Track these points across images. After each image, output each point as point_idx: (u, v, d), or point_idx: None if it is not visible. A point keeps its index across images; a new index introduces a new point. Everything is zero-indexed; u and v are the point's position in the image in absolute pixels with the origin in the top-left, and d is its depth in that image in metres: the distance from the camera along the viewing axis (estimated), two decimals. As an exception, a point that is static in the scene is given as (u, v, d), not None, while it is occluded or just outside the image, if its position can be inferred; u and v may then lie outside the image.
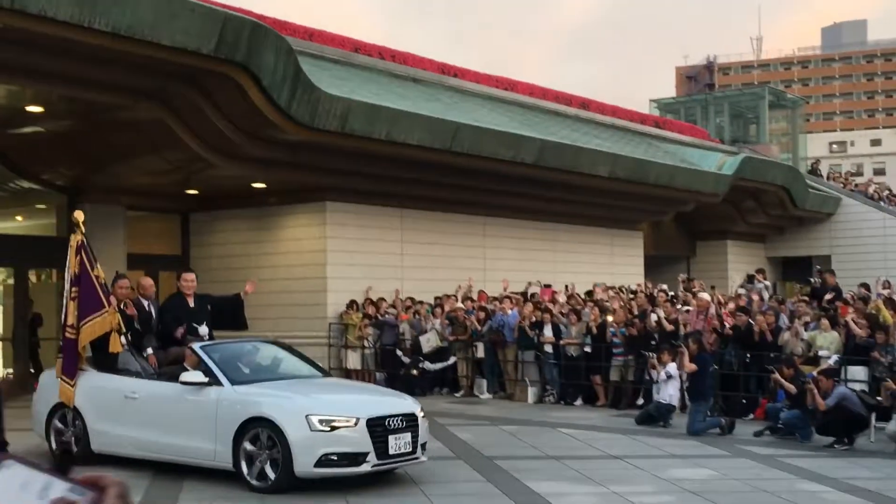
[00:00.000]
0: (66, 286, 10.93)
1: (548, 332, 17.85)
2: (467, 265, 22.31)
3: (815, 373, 13.71)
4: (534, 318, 17.99)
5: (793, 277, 31.63)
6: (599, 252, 26.39)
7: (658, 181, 24.82)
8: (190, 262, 20.77)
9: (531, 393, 17.91)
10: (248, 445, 9.41)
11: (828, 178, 36.09)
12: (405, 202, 21.17)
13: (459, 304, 19.63)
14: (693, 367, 14.10)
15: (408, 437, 9.62)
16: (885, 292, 19.17)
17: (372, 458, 9.29)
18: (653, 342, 16.39)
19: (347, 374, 19.14)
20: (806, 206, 31.00)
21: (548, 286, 21.57)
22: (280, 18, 21.43)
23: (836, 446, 12.71)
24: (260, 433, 9.35)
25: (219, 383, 9.85)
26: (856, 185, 36.03)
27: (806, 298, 19.09)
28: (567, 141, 22.91)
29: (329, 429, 9.22)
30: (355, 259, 20.20)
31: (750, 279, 24.03)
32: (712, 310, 16.86)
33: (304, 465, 9.18)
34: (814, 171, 36.16)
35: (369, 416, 9.37)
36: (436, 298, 20.12)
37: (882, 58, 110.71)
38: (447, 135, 18.88)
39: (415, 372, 18.58)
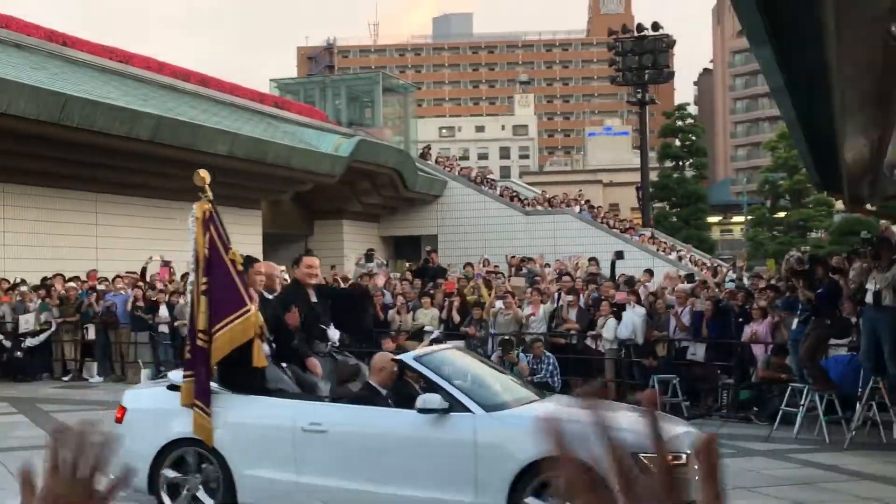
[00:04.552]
0: (192, 276, 7.86)
1: (164, 312, 17.63)
2: (79, 244, 21.36)
3: (425, 345, 14.76)
4: (153, 299, 17.71)
5: (404, 256, 33.49)
6: (218, 230, 26.27)
7: (276, 161, 25.21)
8: None
9: (145, 374, 17.58)
10: (533, 498, 6.82)
11: (436, 162, 38.46)
12: (8, 176, 19.84)
13: (71, 284, 18.81)
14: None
15: None
16: (484, 270, 20.99)
17: None
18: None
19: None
20: (416, 188, 32.92)
21: (167, 263, 21.22)
22: None
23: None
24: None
25: (464, 409, 7.19)
26: (461, 170, 38.75)
27: (409, 278, 20.28)
28: (185, 118, 22.62)
29: None
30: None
31: (368, 257, 25.14)
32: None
33: None
34: (424, 156, 38.36)
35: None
36: (44, 279, 19.09)
37: (486, 50, 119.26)
38: (55, 106, 17.97)
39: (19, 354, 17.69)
